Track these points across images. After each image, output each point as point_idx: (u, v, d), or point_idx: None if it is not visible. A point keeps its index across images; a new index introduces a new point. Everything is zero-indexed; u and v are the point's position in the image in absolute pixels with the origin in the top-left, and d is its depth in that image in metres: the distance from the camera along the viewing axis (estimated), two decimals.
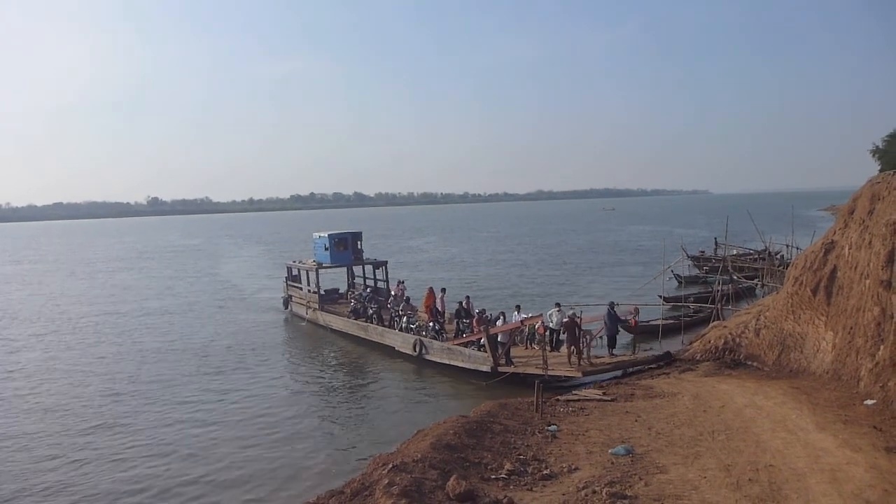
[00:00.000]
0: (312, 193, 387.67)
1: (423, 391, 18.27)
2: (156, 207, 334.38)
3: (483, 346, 18.32)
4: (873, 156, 34.64)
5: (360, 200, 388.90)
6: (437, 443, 10.76)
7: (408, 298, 24.50)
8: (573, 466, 10.16)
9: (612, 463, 10.18)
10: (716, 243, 41.82)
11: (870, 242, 13.84)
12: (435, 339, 20.63)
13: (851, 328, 13.67)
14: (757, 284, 30.12)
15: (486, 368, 17.95)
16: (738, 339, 17.66)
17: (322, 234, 29.30)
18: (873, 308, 12.89)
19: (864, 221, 14.77)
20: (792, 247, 35.16)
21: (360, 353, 23.19)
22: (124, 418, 16.16)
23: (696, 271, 38.33)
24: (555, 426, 12.44)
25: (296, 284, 30.55)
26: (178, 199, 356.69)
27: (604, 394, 14.98)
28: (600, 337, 19.45)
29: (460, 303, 21.55)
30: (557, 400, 14.62)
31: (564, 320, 17.97)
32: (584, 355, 17.54)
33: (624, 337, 21.36)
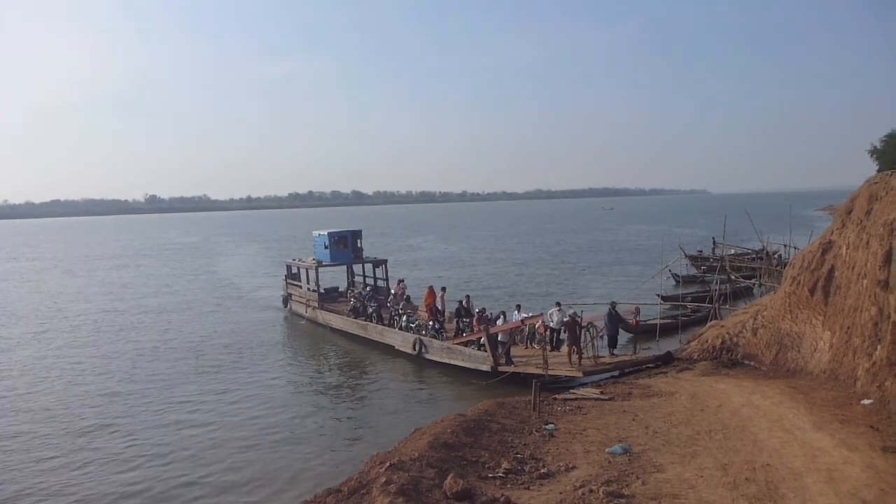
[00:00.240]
0: (311, 192, 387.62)
1: (423, 390, 18.27)
2: (154, 205, 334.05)
3: (483, 345, 18.30)
4: (871, 156, 34.75)
5: (358, 199, 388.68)
6: (435, 441, 10.78)
7: (408, 297, 24.49)
8: (570, 465, 10.18)
9: (610, 462, 10.20)
10: (714, 243, 41.87)
11: (867, 242, 13.87)
12: (435, 338, 20.63)
13: (849, 328, 13.70)
14: (754, 284, 30.14)
15: (486, 368, 17.93)
16: (735, 339, 17.70)
17: (322, 233, 29.20)
18: (870, 308, 12.92)
19: (861, 221, 14.80)
20: (790, 246, 35.16)
21: (360, 351, 23.18)
22: (122, 418, 16.13)
23: (693, 271, 38.39)
24: (552, 425, 12.46)
25: (295, 283, 30.49)
26: (176, 196, 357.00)
27: (601, 393, 15.00)
28: (601, 336, 19.46)
29: (460, 302, 21.54)
30: (555, 399, 14.65)
31: (565, 319, 17.97)
32: (590, 353, 17.56)
33: (623, 337, 21.40)
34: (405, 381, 19.26)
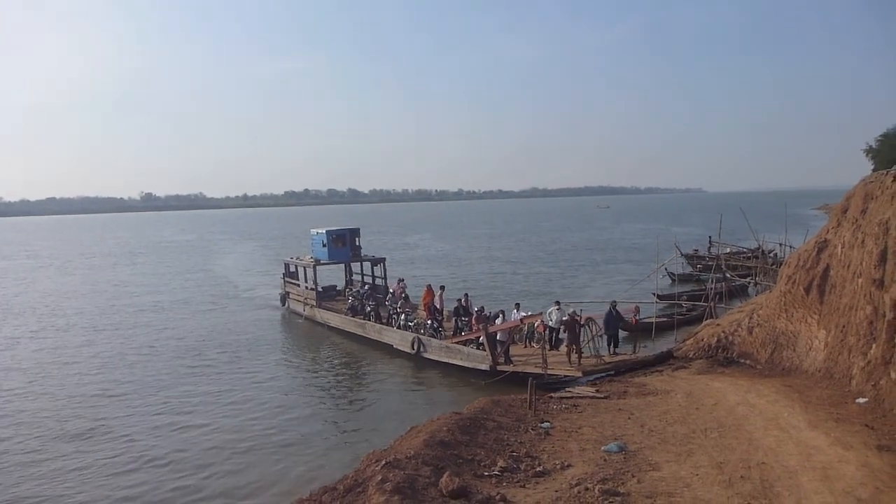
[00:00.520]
0: (307, 190, 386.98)
1: (421, 390, 18.26)
2: (149, 203, 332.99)
3: (482, 344, 18.27)
4: (867, 155, 34.82)
5: (354, 197, 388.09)
6: (431, 439, 10.78)
7: (407, 297, 24.44)
8: (566, 463, 10.19)
9: (605, 460, 10.22)
10: (709, 241, 41.96)
11: (863, 241, 13.92)
12: (433, 336, 20.60)
13: (844, 327, 13.75)
14: (750, 283, 30.24)
15: (485, 367, 17.89)
16: (731, 337, 17.74)
17: (320, 231, 29.05)
18: (866, 307, 12.97)
19: (857, 220, 14.84)
20: (785, 245, 35.25)
21: (358, 350, 23.16)
22: (118, 419, 16.03)
23: (689, 269, 38.47)
24: (548, 423, 12.48)
25: (293, 281, 30.42)
26: (171, 194, 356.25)
27: (597, 391, 15.02)
28: (601, 335, 19.45)
29: (459, 300, 21.51)
30: (551, 397, 14.67)
31: (564, 318, 17.96)
32: (590, 353, 17.54)
33: (622, 335, 21.39)
34: (403, 381, 19.23)
